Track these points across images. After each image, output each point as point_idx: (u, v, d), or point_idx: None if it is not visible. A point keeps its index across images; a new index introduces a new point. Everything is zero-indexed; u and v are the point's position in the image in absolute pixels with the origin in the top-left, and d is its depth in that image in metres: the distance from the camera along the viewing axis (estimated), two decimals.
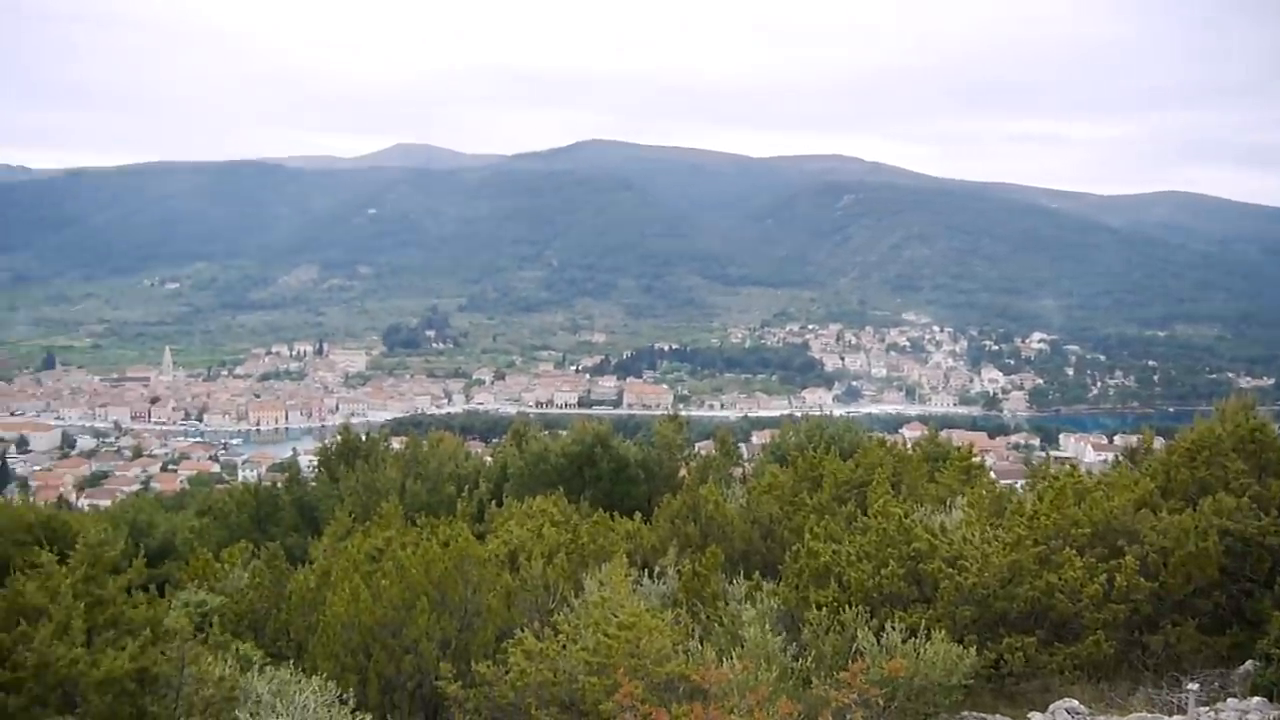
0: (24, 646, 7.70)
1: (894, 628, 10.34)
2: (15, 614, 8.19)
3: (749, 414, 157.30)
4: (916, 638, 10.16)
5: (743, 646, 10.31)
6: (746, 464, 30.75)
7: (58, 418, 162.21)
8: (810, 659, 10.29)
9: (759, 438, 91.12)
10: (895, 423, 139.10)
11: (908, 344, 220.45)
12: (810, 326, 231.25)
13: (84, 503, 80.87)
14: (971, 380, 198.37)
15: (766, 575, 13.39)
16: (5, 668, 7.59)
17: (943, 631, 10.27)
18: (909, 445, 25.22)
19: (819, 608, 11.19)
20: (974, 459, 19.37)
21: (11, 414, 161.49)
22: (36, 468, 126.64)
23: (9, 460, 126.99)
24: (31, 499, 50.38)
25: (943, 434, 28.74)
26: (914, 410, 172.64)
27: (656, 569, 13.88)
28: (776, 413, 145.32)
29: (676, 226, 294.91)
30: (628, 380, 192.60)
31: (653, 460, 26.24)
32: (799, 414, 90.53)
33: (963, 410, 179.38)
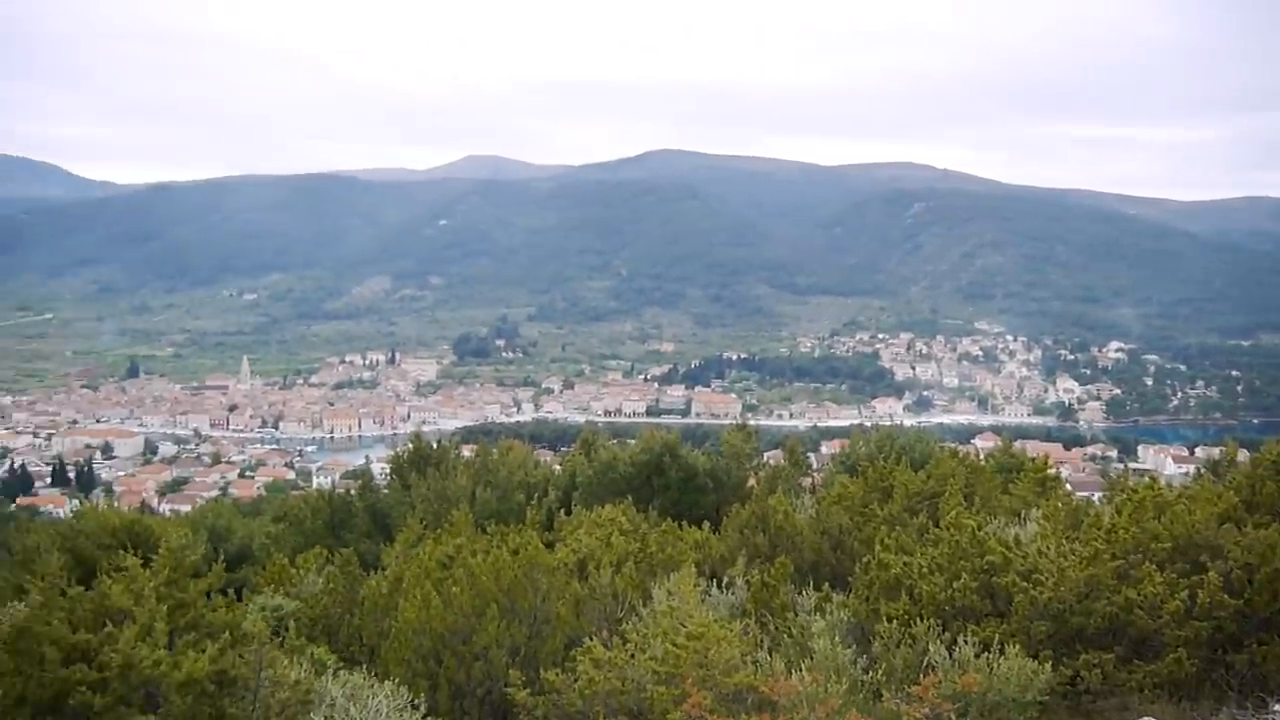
0: (110, 647, 7.92)
1: (967, 642, 10.16)
2: (102, 615, 8.43)
3: (818, 424, 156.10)
4: (990, 652, 9.97)
5: (812, 658, 10.21)
6: (816, 474, 30.47)
7: (141, 425, 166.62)
8: (881, 672, 10.16)
9: (828, 448, 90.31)
10: (967, 433, 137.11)
11: (980, 353, 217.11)
12: (880, 335, 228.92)
13: (165, 508, 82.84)
14: (1046, 390, 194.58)
15: (836, 587, 13.25)
16: (92, 667, 7.82)
17: (1017, 646, 10.07)
18: (982, 456, 24.83)
19: (890, 620, 11.04)
20: (1049, 470, 18.99)
21: (97, 421, 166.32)
22: (120, 473, 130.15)
23: (95, 465, 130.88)
24: (116, 504, 51.87)
25: (1016, 445, 28.16)
26: (986, 421, 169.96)
27: (725, 579, 13.82)
28: (846, 422, 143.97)
29: (744, 235, 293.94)
30: (696, 389, 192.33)
31: (721, 470, 26.14)
32: (869, 424, 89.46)
33: (1037, 421, 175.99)
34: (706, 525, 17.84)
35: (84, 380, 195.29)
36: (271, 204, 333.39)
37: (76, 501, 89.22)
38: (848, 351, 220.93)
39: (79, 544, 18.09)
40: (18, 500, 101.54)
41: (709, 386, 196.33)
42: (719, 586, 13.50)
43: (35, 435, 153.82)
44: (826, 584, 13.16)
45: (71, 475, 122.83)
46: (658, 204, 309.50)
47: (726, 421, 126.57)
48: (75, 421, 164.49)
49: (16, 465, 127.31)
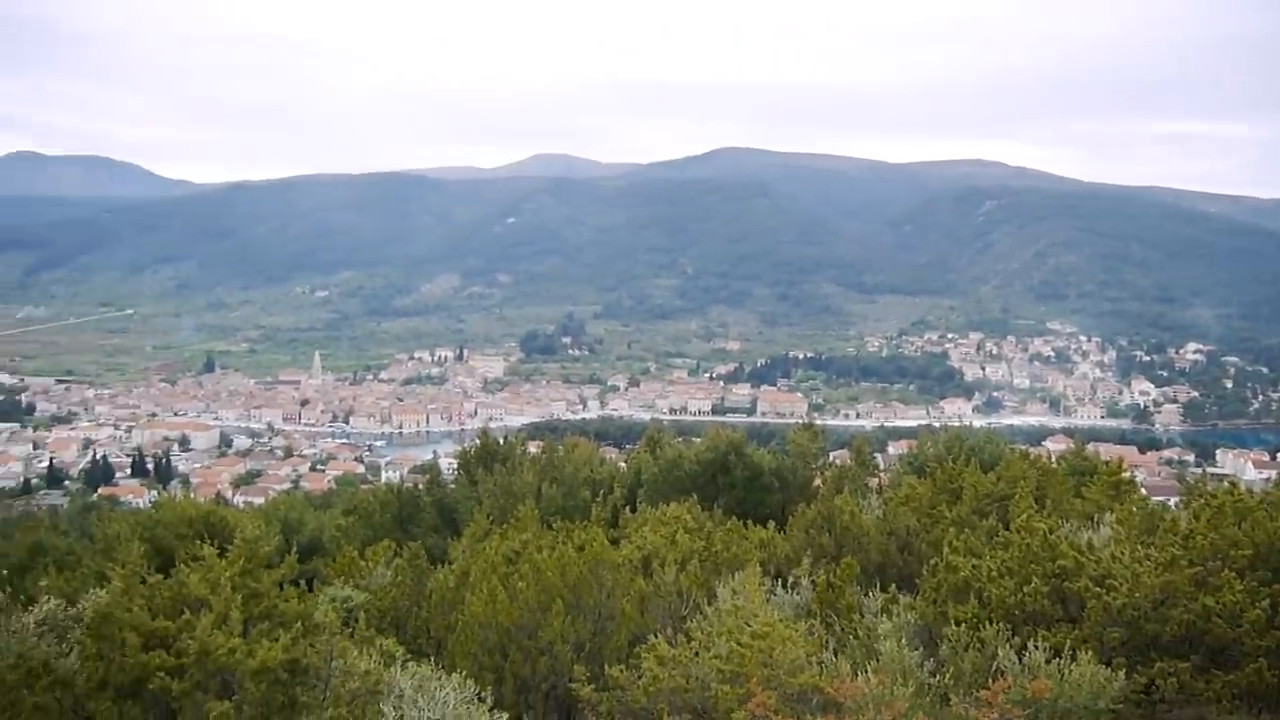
0: (187, 634, 8.13)
1: (1037, 647, 9.99)
2: (180, 603, 8.66)
3: (885, 423, 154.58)
4: (1061, 658, 9.79)
5: (878, 660, 10.12)
6: (883, 474, 30.17)
7: (216, 418, 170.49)
8: (948, 676, 10.03)
9: (895, 448, 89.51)
10: (1038, 435, 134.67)
11: (1052, 354, 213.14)
12: (950, 335, 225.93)
13: (239, 499, 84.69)
14: (1120, 392, 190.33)
15: (903, 589, 13.11)
16: (170, 654, 8.03)
17: (1089, 653, 9.87)
18: (1053, 459, 24.37)
19: (958, 624, 10.89)
20: (1123, 474, 18.58)
21: (175, 414, 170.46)
22: (197, 465, 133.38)
23: (172, 457, 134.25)
24: (192, 495, 53.11)
25: (1089, 447, 27.60)
26: (1058, 422, 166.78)
27: (790, 579, 13.75)
28: (914, 423, 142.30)
29: (812, 234, 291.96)
30: (762, 388, 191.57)
31: (787, 469, 26.00)
32: (937, 424, 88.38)
33: (1111, 423, 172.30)
34: (771, 525, 17.76)
35: (163, 374, 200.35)
36: (344, 202, 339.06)
37: (155, 492, 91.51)
38: (916, 351, 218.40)
39: (157, 533, 18.56)
40: (99, 490, 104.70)
41: (775, 385, 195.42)
42: (784, 586, 13.43)
43: (116, 427, 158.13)
44: (893, 586, 13.02)
45: (150, 467, 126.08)
46: (725, 202, 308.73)
47: (792, 421, 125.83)
48: (154, 414, 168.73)
49: (99, 456, 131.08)
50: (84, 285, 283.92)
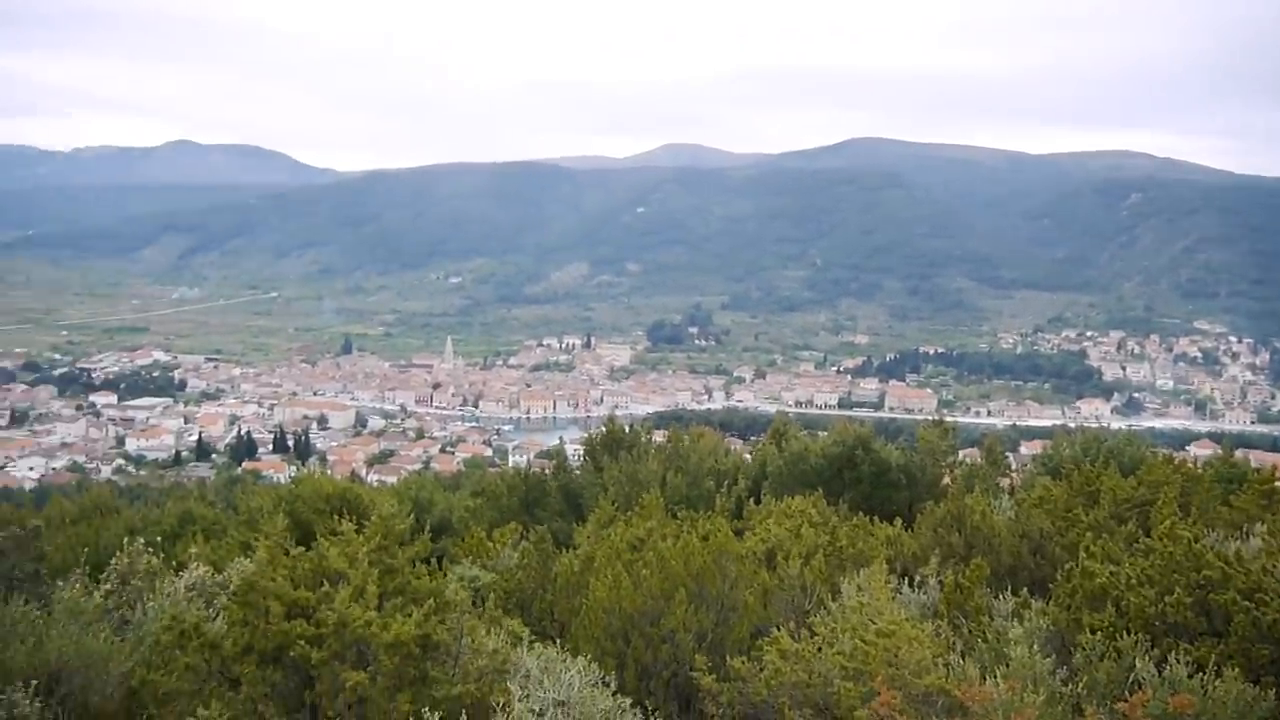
0: (326, 606, 8.46)
1: (1178, 660, 9.58)
2: (320, 575, 9.01)
3: (1018, 422, 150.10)
4: (1204, 673, 9.37)
5: (1008, 665, 9.85)
6: (1015, 474, 29.36)
7: (353, 399, 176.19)
8: (1082, 685, 9.71)
9: (1028, 448, 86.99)
10: (1182, 439, 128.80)
11: (1199, 355, 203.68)
12: (1088, 333, 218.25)
13: (373, 478, 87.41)
14: (1273, 396, 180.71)
15: (1035, 593, 12.73)
16: (310, 623, 8.37)
17: (1235, 670, 9.42)
18: (1199, 464, 23.31)
19: (1093, 632, 10.52)
20: (1276, 483, 17.66)
21: (314, 393, 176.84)
22: (334, 443, 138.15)
23: (311, 435, 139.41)
24: (329, 472, 55.06)
25: (1238, 453, 26.36)
26: (1204, 427, 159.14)
27: (917, 578, 13.50)
28: (1048, 422, 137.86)
29: (946, 226, 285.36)
30: (890, 383, 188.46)
31: (915, 465, 25.52)
32: (1073, 425, 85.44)
33: (1262, 429, 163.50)
34: (898, 522, 17.46)
35: (304, 355, 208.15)
36: (478, 191, 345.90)
37: (294, 468, 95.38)
38: (1052, 349, 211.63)
39: (297, 508, 19.31)
40: (244, 464, 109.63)
41: (904, 380, 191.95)
42: (910, 585, 13.20)
43: (260, 405, 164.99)
44: (1025, 589, 12.66)
45: (290, 443, 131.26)
46: (857, 193, 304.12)
47: (921, 417, 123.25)
48: (295, 393, 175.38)
49: (243, 432, 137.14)
50: (233, 268, 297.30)
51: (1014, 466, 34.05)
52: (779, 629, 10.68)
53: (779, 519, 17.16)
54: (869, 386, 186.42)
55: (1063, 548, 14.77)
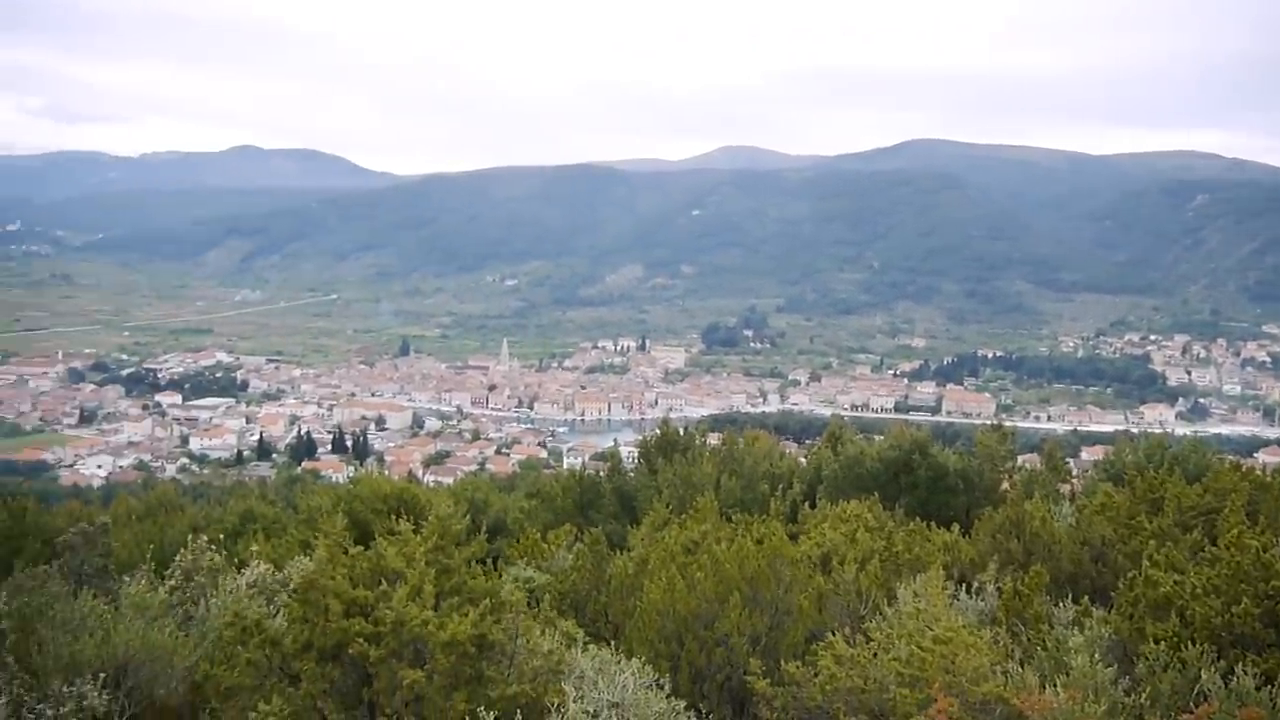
0: (384, 604, 8.57)
1: (1245, 672, 9.36)
2: (378, 574, 9.12)
3: (1078, 427, 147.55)
4: (1272, 686, 9.15)
5: (1068, 674, 9.70)
6: (1075, 480, 28.90)
7: (410, 400, 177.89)
8: (1145, 696, 9.52)
9: (1089, 454, 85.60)
10: (1250, 446, 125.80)
11: (1268, 359, 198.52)
12: (1152, 337, 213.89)
13: (429, 478, 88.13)
14: None
15: (1096, 601, 12.52)
16: (368, 621, 8.48)
17: None
18: (1267, 471, 22.75)
19: (1156, 642, 10.32)
20: None
21: (372, 394, 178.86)
22: (391, 444, 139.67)
23: (369, 436, 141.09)
24: (386, 472, 55.74)
25: None
26: (1273, 433, 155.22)
27: (975, 584, 13.34)
28: (1110, 428, 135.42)
29: (1005, 228, 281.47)
30: (947, 387, 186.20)
31: (973, 470, 25.21)
32: (1136, 430, 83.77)
33: None
34: (955, 527, 17.26)
35: (362, 357, 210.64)
36: (534, 193, 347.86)
37: (353, 468, 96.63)
38: (1114, 353, 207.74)
39: (355, 507, 19.57)
40: (303, 464, 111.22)
41: (961, 384, 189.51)
42: (968, 591, 13.05)
43: (319, 405, 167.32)
44: (1085, 597, 12.46)
45: (349, 444, 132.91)
46: (914, 195, 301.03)
47: (979, 421, 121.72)
48: (353, 394, 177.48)
49: (303, 432, 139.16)
50: (294, 271, 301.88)
51: (1074, 472, 33.50)
52: (834, 634, 10.62)
53: (834, 523, 17.07)
54: (926, 390, 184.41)
55: (1125, 556, 14.51)
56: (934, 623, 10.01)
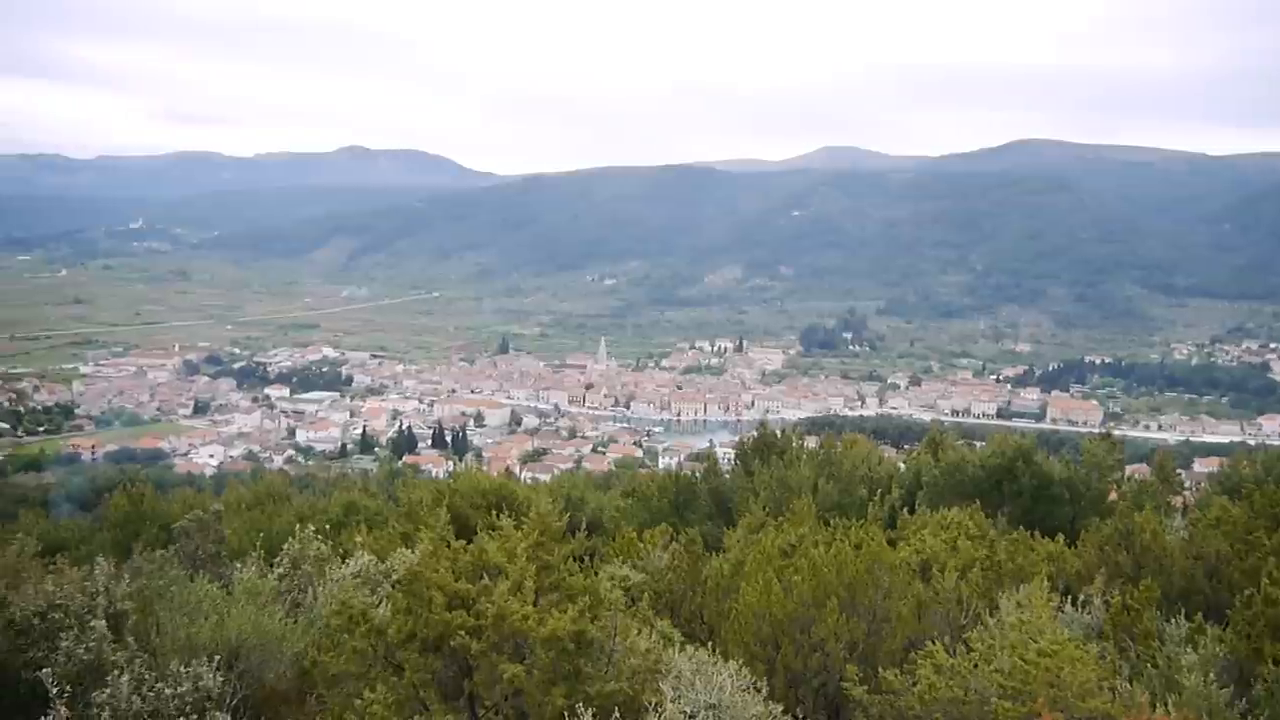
0: (485, 598, 8.71)
1: None
2: (479, 568, 9.28)
3: (1191, 438, 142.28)
4: None
5: (1180, 694, 9.39)
6: (1188, 493, 27.88)
7: (508, 397, 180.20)
8: (1262, 718, 9.17)
9: (1203, 465, 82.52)
10: None
11: None
12: (1273, 345, 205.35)
13: (526, 475, 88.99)
14: None
15: (1210, 619, 12.08)
16: (470, 614, 8.63)
17: None
18: None
19: (1275, 663, 9.94)
20: None
21: (472, 391, 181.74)
22: (489, 440, 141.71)
23: (468, 432, 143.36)
24: (485, 468, 56.50)
25: None
26: None
27: (1081, 597, 12.99)
28: (1225, 439, 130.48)
29: (1116, 231, 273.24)
30: (1052, 393, 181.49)
31: (1079, 480, 24.50)
32: (1254, 442, 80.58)
33: None
34: (1060, 538, 16.81)
35: (462, 354, 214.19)
36: (634, 194, 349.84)
37: (452, 463, 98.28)
38: (1231, 360, 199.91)
39: (454, 502, 19.89)
40: (404, 458, 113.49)
41: (1067, 391, 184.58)
42: (1074, 604, 12.71)
43: (420, 401, 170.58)
44: (1200, 614, 12.03)
45: (448, 439, 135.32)
46: (1021, 196, 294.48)
47: (1085, 429, 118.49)
48: (454, 391, 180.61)
49: (404, 427, 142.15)
50: (398, 269, 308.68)
51: (1187, 484, 32.34)
52: (933, 643, 10.45)
53: (934, 530, 16.79)
54: (1030, 396, 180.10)
55: (1241, 572, 13.97)
56: (1038, 635, 9.78)
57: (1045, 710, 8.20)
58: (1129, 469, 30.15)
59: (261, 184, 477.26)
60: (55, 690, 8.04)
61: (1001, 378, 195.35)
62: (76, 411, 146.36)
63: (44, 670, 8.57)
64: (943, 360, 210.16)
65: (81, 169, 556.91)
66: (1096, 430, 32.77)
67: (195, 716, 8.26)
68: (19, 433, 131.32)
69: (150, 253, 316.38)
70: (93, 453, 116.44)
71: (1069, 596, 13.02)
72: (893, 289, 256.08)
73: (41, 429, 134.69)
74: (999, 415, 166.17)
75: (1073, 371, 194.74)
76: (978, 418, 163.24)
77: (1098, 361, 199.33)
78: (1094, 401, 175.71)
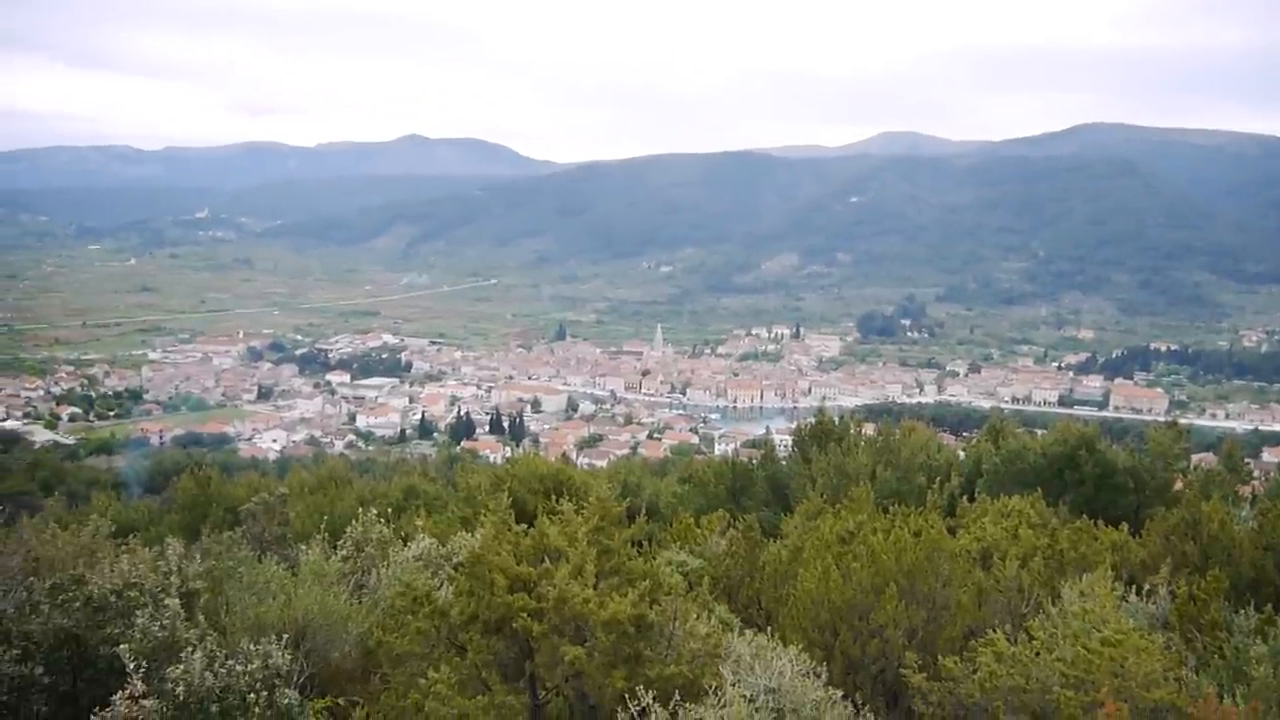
0: (547, 581, 8.81)
1: None
2: (541, 552, 9.39)
3: (1260, 427, 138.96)
4: None
5: (1249, 685, 9.23)
6: (1256, 482, 27.29)
7: (565, 383, 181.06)
8: None
9: (1272, 454, 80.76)
10: None
11: None
12: None
13: (582, 461, 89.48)
14: None
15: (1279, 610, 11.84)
16: (531, 598, 8.74)
17: None
18: None
19: None
20: None
21: (529, 378, 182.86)
22: (546, 426, 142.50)
23: (525, 418, 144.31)
24: (542, 453, 56.91)
25: None
26: None
27: (1145, 587, 12.79)
28: None
29: (1185, 216, 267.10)
30: (1115, 381, 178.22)
31: (1144, 469, 24.07)
32: None
33: None
34: (1124, 527, 16.56)
35: (520, 340, 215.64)
36: (690, 180, 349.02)
37: (509, 449, 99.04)
38: None
39: (513, 487, 20.08)
40: (462, 443, 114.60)
41: (1131, 379, 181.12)
42: (1138, 594, 12.51)
43: (478, 387, 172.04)
44: (1269, 606, 11.79)
45: (506, 425, 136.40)
46: (1086, 181, 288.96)
47: (1149, 418, 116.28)
48: (511, 377, 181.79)
49: (463, 413, 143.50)
50: (457, 256, 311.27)
51: (1256, 473, 31.63)
52: (994, 631, 10.36)
53: (995, 518, 16.60)
54: (1093, 384, 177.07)
55: None
56: (1102, 624, 9.66)
57: (1109, 700, 8.10)
58: (1195, 458, 29.59)
59: (323, 173, 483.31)
60: (132, 665, 8.27)
61: (1063, 365, 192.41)
62: (145, 396, 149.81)
63: (121, 646, 8.82)
64: (1003, 347, 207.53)
65: (150, 160, 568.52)
66: (1161, 418, 32.16)
67: (265, 693, 8.45)
68: (90, 417, 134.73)
69: (215, 241, 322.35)
70: (160, 437, 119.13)
71: (1133, 586, 12.83)
72: (952, 275, 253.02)
73: (112, 414, 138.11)
74: (1060, 403, 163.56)
75: (1137, 359, 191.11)
76: (1039, 405, 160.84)
77: (1163, 349, 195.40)
78: (1159, 389, 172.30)
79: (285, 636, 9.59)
